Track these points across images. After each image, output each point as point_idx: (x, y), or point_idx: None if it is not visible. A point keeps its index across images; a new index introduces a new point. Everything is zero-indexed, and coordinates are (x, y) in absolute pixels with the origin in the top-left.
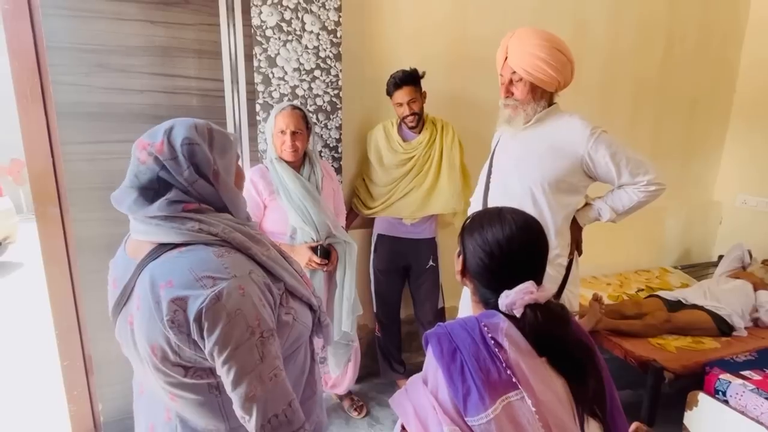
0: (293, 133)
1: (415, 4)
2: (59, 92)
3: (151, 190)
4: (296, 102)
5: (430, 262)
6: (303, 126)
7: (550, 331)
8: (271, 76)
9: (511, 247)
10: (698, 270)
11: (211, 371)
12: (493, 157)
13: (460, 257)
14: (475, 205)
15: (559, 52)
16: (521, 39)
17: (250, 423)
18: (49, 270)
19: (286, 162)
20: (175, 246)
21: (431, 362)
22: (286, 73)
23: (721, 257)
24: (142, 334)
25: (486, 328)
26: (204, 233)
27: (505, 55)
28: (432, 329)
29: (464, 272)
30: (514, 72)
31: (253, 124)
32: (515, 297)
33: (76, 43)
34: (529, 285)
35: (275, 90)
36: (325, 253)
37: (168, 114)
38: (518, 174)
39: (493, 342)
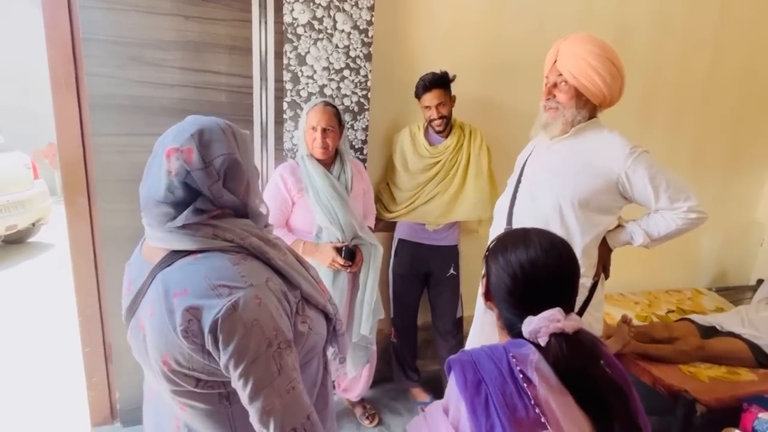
0: (324, 130)
1: (450, 5)
2: (93, 83)
3: (183, 205)
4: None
5: (451, 271)
6: (335, 123)
7: (575, 366)
8: (300, 74)
9: (535, 270)
10: (734, 293)
11: (223, 382)
12: (524, 167)
13: (484, 279)
14: (499, 216)
15: (611, 63)
16: (574, 43)
17: None
18: (75, 258)
19: (317, 159)
20: (190, 252)
21: (453, 392)
22: (315, 71)
23: (760, 281)
24: (154, 342)
25: (514, 360)
26: (219, 239)
27: (555, 57)
28: (456, 355)
29: (488, 295)
30: (560, 75)
31: (279, 122)
32: (539, 324)
33: (111, 36)
34: (555, 312)
35: (303, 89)
36: (350, 254)
37: (196, 109)
38: (548, 187)
39: (521, 376)
